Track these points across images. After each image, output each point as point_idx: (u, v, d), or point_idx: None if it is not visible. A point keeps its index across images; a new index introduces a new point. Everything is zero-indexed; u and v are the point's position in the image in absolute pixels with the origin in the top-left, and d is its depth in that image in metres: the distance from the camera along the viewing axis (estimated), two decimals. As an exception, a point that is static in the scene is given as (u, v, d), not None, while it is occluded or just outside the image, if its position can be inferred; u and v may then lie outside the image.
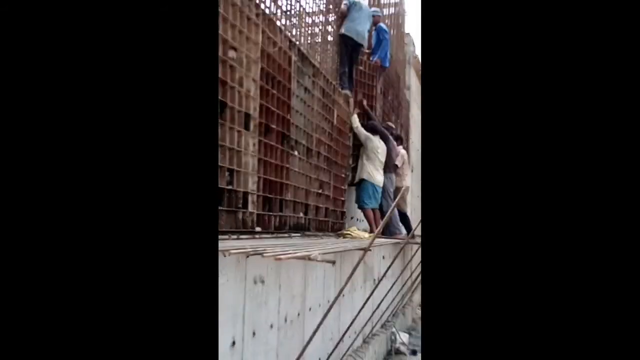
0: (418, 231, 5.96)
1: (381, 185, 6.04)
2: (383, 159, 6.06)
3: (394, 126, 7.51)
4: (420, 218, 4.01)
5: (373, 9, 6.66)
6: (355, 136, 6.00)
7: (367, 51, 6.57)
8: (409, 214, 7.59)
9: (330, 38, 5.78)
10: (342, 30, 5.70)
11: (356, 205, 6.22)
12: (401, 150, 7.27)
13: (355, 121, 5.87)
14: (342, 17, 5.82)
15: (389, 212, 3.45)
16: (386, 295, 5.49)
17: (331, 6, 5.81)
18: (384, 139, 6.28)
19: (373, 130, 6.14)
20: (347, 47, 5.73)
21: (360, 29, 5.78)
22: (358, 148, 6.16)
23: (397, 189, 6.64)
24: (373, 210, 6.03)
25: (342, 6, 5.78)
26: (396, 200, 3.54)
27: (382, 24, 6.59)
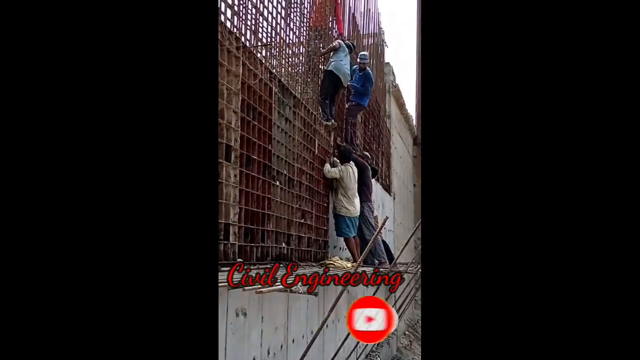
0: (401, 259, 5.95)
1: (357, 214, 6.03)
2: (356, 184, 6.05)
3: (369, 155, 7.56)
4: (402, 247, 4.02)
5: (362, 53, 6.99)
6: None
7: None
8: (391, 242, 7.57)
9: (311, 69, 5.87)
10: (331, 68, 5.91)
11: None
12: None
13: (327, 170, 5.84)
14: (330, 51, 6.06)
15: (370, 242, 3.45)
16: (370, 324, 5.44)
17: (311, 37, 5.92)
18: (360, 168, 6.29)
19: (345, 156, 6.14)
20: (332, 82, 5.90)
21: (347, 72, 6.07)
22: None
23: (375, 218, 6.64)
24: (354, 237, 6.02)
25: (335, 43, 6.05)
26: (378, 230, 3.54)
27: (369, 70, 6.95)
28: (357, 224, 6.09)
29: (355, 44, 7.18)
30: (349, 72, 6.18)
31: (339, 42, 6.08)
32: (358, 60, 6.89)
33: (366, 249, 3.37)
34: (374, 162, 8.64)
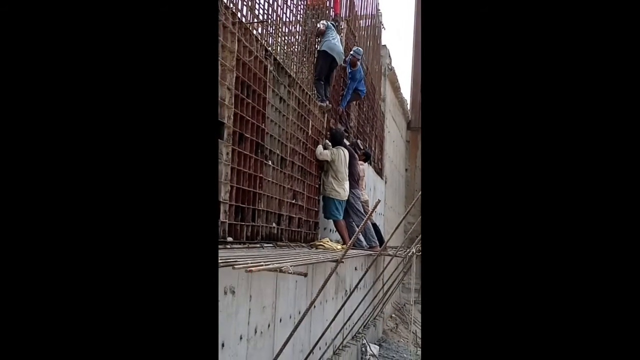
0: (391, 243, 5.98)
1: (346, 197, 6.02)
2: (347, 168, 6.03)
3: (359, 143, 7.56)
4: (392, 230, 4.02)
5: (355, 48, 6.92)
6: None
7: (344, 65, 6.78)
8: (381, 226, 7.59)
9: (307, 48, 5.81)
10: (324, 48, 5.87)
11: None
12: (363, 165, 7.29)
13: (319, 152, 5.80)
14: (319, 35, 6.00)
15: (361, 225, 3.44)
16: (357, 306, 5.48)
17: (308, 16, 5.85)
18: (350, 154, 6.26)
19: (335, 139, 6.10)
20: (326, 62, 5.86)
21: (340, 50, 6.04)
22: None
23: (364, 202, 6.64)
24: (343, 220, 6.03)
25: (320, 26, 5.97)
26: (370, 212, 3.53)
27: (360, 67, 7.02)
28: (345, 207, 6.09)
29: (352, 25, 7.14)
30: (342, 50, 6.13)
31: (323, 24, 6.00)
32: (351, 53, 6.82)
33: (355, 233, 3.37)
34: (367, 146, 8.62)
